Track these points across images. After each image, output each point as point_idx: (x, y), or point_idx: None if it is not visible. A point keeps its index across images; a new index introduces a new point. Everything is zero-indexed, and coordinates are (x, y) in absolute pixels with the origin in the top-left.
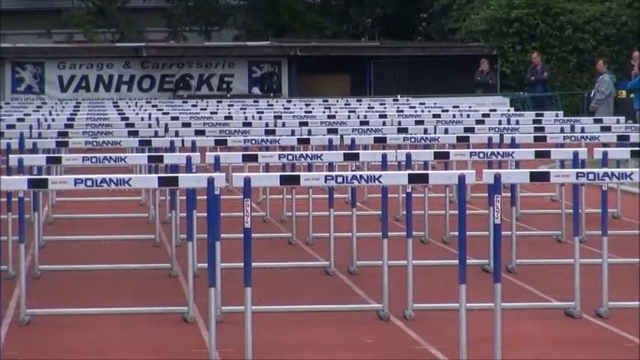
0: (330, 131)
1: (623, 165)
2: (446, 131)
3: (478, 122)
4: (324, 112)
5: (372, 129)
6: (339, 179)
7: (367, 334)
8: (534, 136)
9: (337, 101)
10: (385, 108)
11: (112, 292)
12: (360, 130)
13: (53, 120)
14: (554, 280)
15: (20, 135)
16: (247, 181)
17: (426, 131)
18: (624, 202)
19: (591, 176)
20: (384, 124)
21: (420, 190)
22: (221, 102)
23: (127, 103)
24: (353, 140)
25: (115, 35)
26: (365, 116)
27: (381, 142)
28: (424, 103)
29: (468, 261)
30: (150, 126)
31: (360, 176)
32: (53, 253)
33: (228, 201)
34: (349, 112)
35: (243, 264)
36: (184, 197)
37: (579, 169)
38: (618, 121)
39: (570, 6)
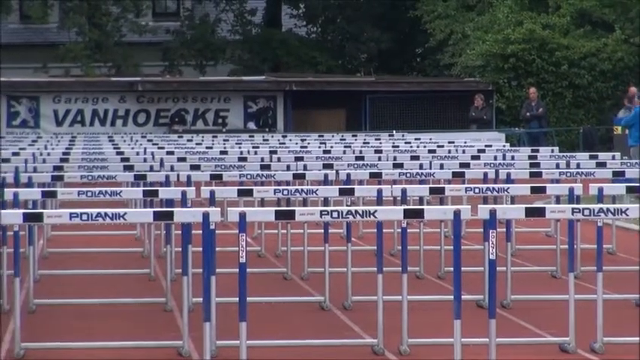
0: (325, 166)
1: (618, 201)
2: (441, 167)
3: (474, 158)
4: (319, 147)
5: (367, 164)
6: (335, 214)
7: None
8: (530, 172)
9: (333, 136)
10: (381, 143)
11: (106, 327)
12: (356, 165)
13: (48, 154)
14: (549, 316)
15: (15, 169)
16: (242, 215)
17: (421, 166)
18: (619, 238)
19: (587, 212)
20: (379, 159)
21: (415, 226)
22: (216, 137)
23: (122, 137)
24: (348, 175)
25: (111, 70)
26: (360, 151)
27: (376, 177)
28: (419, 139)
29: (462, 296)
30: (145, 160)
31: (356, 211)
32: (48, 287)
33: (224, 235)
34: (345, 147)
35: (238, 299)
36: (179, 232)
37: (575, 204)
38: (614, 157)
39: (566, 42)
